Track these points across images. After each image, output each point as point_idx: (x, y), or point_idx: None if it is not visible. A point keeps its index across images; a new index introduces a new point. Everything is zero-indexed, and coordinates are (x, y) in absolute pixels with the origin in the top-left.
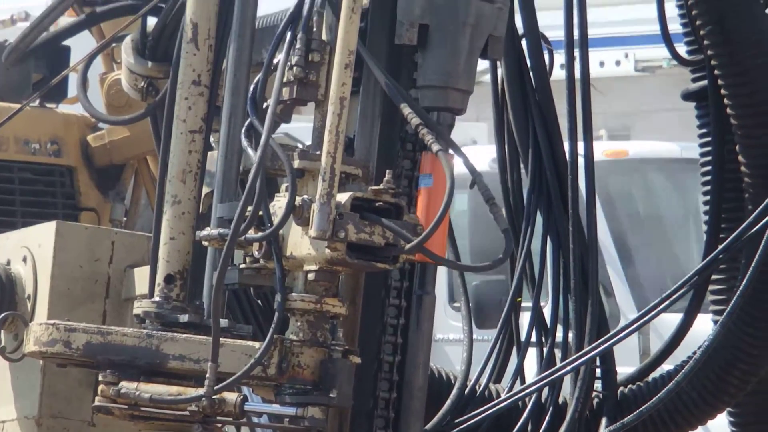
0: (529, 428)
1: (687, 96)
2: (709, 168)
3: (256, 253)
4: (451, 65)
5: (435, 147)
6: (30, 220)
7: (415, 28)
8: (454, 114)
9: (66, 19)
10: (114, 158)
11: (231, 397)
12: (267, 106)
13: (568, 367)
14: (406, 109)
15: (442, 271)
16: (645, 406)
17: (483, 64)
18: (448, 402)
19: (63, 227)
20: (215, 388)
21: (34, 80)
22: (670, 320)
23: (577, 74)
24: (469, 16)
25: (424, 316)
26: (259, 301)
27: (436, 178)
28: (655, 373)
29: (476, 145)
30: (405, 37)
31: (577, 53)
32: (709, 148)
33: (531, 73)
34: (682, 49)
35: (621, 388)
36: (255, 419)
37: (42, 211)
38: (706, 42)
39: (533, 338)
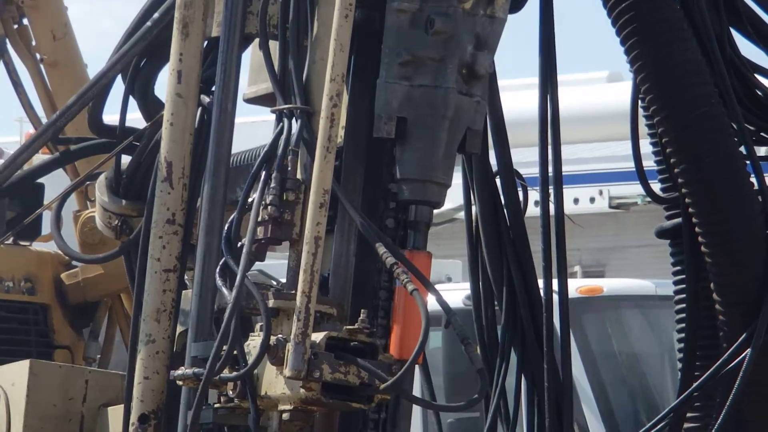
0: None
1: (661, 233)
2: (683, 306)
3: (230, 393)
4: (429, 158)
5: (410, 287)
6: (3, 358)
7: (393, 122)
8: (432, 207)
9: (40, 157)
10: (88, 296)
11: None
12: (242, 245)
13: None
14: (381, 249)
15: (417, 408)
16: None
17: (458, 200)
18: None
19: (37, 366)
20: None
21: (7, 218)
22: None
23: (552, 211)
24: (448, 110)
25: None
26: None
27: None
28: None
29: (451, 282)
30: (383, 131)
31: (551, 190)
32: (683, 286)
33: (505, 210)
34: (656, 186)
35: None
36: None
37: (16, 349)
38: (680, 180)
39: None
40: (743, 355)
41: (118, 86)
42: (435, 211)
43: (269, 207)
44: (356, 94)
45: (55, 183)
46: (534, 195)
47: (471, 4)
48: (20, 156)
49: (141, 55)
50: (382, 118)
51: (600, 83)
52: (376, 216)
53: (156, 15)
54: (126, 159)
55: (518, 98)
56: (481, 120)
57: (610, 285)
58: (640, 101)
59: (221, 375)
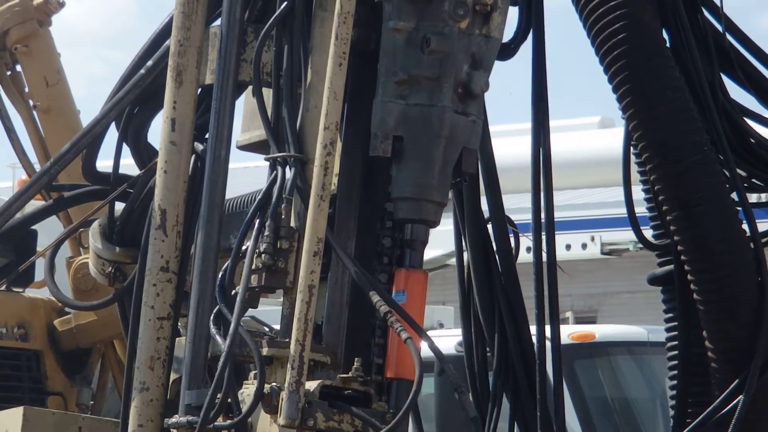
0: None
1: (653, 280)
2: (675, 352)
3: None
4: (424, 177)
5: (404, 335)
6: None
7: (389, 140)
8: (428, 226)
9: (33, 203)
10: (81, 342)
11: None
12: (235, 293)
13: None
14: (374, 297)
15: None
16: None
17: (449, 246)
18: None
19: (30, 413)
20: None
21: (0, 264)
22: None
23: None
24: (443, 129)
25: None
26: None
27: (410, 294)
28: None
29: (443, 328)
30: (379, 149)
31: (543, 237)
32: (675, 333)
33: (497, 257)
34: (648, 233)
35: None
36: None
37: (8, 396)
38: (672, 227)
39: None
40: (735, 401)
41: (112, 133)
42: (426, 258)
43: (263, 255)
44: (349, 141)
45: (48, 229)
46: (526, 241)
47: (467, 24)
48: (14, 204)
49: (134, 103)
50: (378, 137)
51: (592, 129)
52: (372, 235)
53: (150, 63)
54: (119, 206)
55: (509, 144)
56: (477, 139)
57: (602, 331)
58: (632, 147)
59: (215, 423)
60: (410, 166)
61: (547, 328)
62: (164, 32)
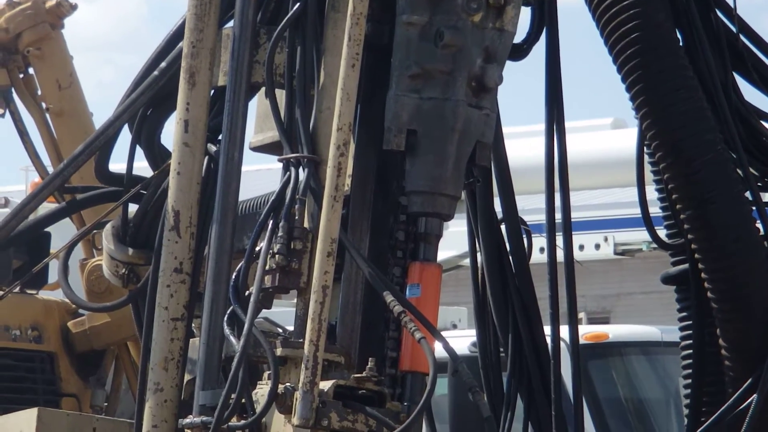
0: None
1: (667, 280)
2: (689, 352)
3: None
4: (438, 171)
5: (417, 335)
6: (11, 407)
7: (403, 134)
8: (442, 219)
9: (46, 206)
10: (94, 344)
11: None
12: (249, 294)
13: None
14: (388, 297)
15: None
16: None
17: (463, 247)
18: None
19: (45, 414)
20: None
21: (14, 267)
22: None
23: (559, 258)
24: (457, 122)
25: None
26: None
27: (425, 288)
28: None
29: (457, 329)
30: (393, 143)
31: (559, 237)
32: (689, 332)
33: (510, 257)
34: (662, 233)
35: None
36: None
37: (22, 397)
38: (686, 226)
39: None
40: (749, 400)
41: (125, 135)
42: (439, 258)
43: (277, 256)
44: (362, 141)
45: (61, 232)
46: (539, 242)
47: (480, 18)
48: (27, 205)
49: (147, 105)
50: (392, 131)
51: (604, 130)
52: (385, 236)
53: (163, 64)
54: (133, 208)
55: (523, 145)
56: (491, 133)
57: (615, 331)
58: (645, 147)
59: (229, 424)
60: (424, 160)
61: (565, 329)
62: (178, 34)
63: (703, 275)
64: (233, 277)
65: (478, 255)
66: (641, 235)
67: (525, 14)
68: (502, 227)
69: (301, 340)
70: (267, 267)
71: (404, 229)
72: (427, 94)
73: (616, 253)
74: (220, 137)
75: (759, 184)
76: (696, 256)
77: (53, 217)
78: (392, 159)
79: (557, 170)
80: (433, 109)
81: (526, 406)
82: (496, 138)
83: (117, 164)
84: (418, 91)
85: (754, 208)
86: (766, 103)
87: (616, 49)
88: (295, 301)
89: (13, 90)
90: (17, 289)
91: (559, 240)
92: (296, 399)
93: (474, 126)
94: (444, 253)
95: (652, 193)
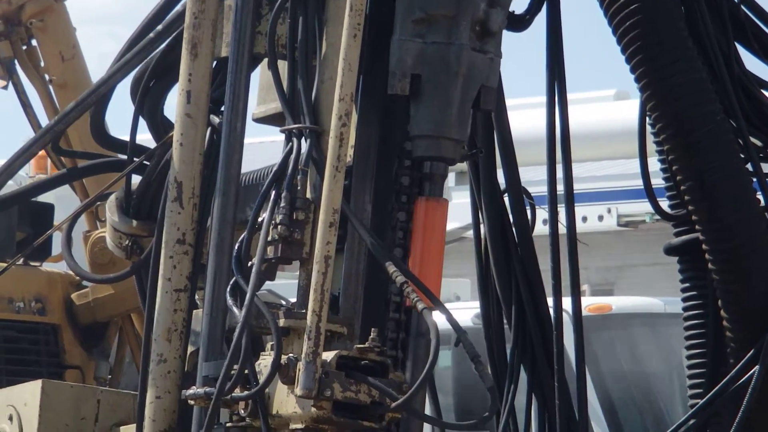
0: None
1: (670, 250)
2: (692, 323)
3: (242, 412)
4: (443, 115)
5: (420, 306)
6: (14, 378)
7: (407, 79)
8: (447, 164)
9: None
10: (98, 316)
11: None
12: (252, 265)
13: None
14: (390, 268)
15: (427, 426)
16: None
17: (466, 219)
18: None
19: (48, 386)
20: None
21: (18, 238)
22: None
23: (562, 230)
24: (461, 66)
25: None
26: None
27: (429, 222)
28: None
29: (459, 300)
30: (397, 88)
31: (561, 209)
32: (692, 303)
33: (513, 229)
34: (665, 204)
35: None
36: None
37: (26, 369)
38: (686, 197)
39: None
40: (752, 371)
41: (128, 105)
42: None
43: (279, 226)
44: (364, 112)
45: (64, 203)
46: (543, 213)
47: None
48: (17, 160)
49: (150, 76)
50: (396, 76)
51: (607, 101)
52: (390, 175)
53: (159, 27)
54: (136, 179)
55: (527, 117)
56: (495, 77)
57: (619, 303)
58: (647, 119)
59: (232, 394)
60: (428, 104)
61: (567, 300)
62: None
63: (704, 246)
64: (236, 248)
65: (482, 227)
66: (645, 207)
67: None
68: (506, 199)
69: (304, 311)
70: (269, 238)
71: (409, 174)
72: (431, 38)
73: (619, 225)
74: (222, 108)
75: (761, 154)
76: (696, 227)
77: (54, 183)
78: (393, 137)
79: (559, 142)
80: (437, 53)
81: (529, 378)
82: (500, 110)
83: (120, 137)
84: (422, 35)
85: (755, 179)
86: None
87: (616, 20)
88: (298, 273)
89: (16, 62)
90: (20, 261)
91: (563, 212)
92: (299, 369)
93: (478, 70)
94: (447, 225)
95: (655, 164)
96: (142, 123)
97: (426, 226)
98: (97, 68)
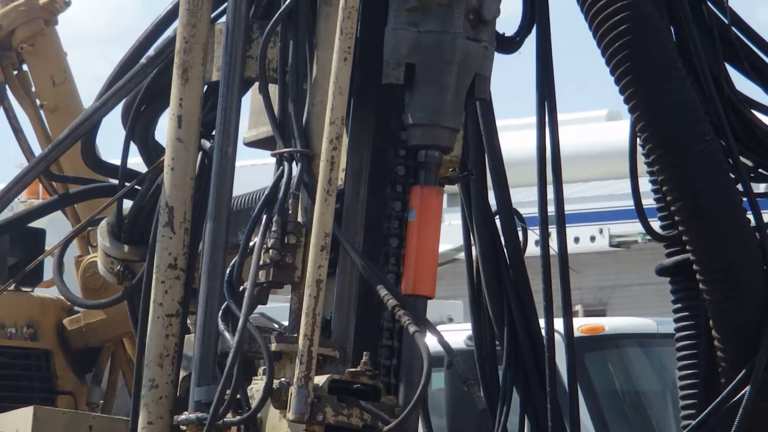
0: None
1: (662, 271)
2: (684, 343)
3: None
4: (437, 103)
5: (412, 329)
6: (6, 405)
7: (401, 67)
8: (441, 152)
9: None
10: (90, 341)
11: None
12: (243, 289)
13: None
14: (382, 291)
15: None
16: None
17: (458, 241)
18: None
19: (41, 412)
20: None
21: (9, 263)
22: None
23: (553, 251)
24: (455, 55)
25: None
26: None
27: (424, 210)
28: None
29: (453, 322)
30: (392, 77)
31: (553, 230)
32: (684, 323)
33: (505, 250)
34: (656, 224)
35: None
36: None
37: (18, 395)
38: (677, 218)
39: None
40: (743, 391)
41: (119, 132)
42: None
43: (271, 250)
44: (356, 135)
45: (56, 228)
46: (535, 235)
47: None
48: (12, 189)
49: (141, 101)
50: (390, 64)
51: (599, 122)
52: (386, 164)
53: (151, 52)
54: (127, 204)
55: (518, 138)
56: (489, 65)
57: (611, 324)
58: (638, 139)
59: (225, 419)
60: (423, 93)
61: (559, 322)
62: (164, 21)
63: (694, 266)
64: (228, 272)
65: (473, 248)
66: (636, 227)
67: (517, 6)
68: (497, 220)
69: (296, 335)
70: (261, 262)
71: (404, 163)
72: (425, 27)
73: (611, 245)
74: (213, 133)
75: (751, 174)
76: (687, 247)
77: (45, 209)
78: (386, 155)
79: (550, 162)
80: (431, 42)
81: (522, 399)
82: (490, 131)
83: (111, 160)
84: (416, 24)
85: (745, 199)
86: (758, 93)
87: (605, 41)
88: (290, 296)
89: (7, 87)
90: (12, 287)
91: (554, 233)
92: (291, 394)
93: (472, 58)
94: (440, 246)
95: (646, 185)
96: (133, 147)
97: (421, 213)
98: (90, 91)
